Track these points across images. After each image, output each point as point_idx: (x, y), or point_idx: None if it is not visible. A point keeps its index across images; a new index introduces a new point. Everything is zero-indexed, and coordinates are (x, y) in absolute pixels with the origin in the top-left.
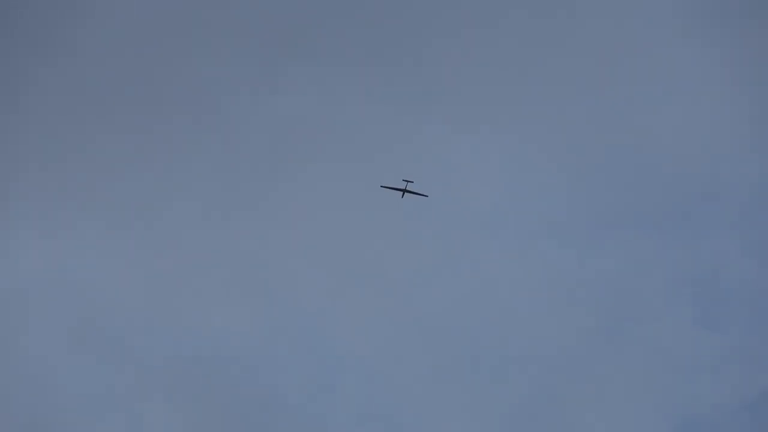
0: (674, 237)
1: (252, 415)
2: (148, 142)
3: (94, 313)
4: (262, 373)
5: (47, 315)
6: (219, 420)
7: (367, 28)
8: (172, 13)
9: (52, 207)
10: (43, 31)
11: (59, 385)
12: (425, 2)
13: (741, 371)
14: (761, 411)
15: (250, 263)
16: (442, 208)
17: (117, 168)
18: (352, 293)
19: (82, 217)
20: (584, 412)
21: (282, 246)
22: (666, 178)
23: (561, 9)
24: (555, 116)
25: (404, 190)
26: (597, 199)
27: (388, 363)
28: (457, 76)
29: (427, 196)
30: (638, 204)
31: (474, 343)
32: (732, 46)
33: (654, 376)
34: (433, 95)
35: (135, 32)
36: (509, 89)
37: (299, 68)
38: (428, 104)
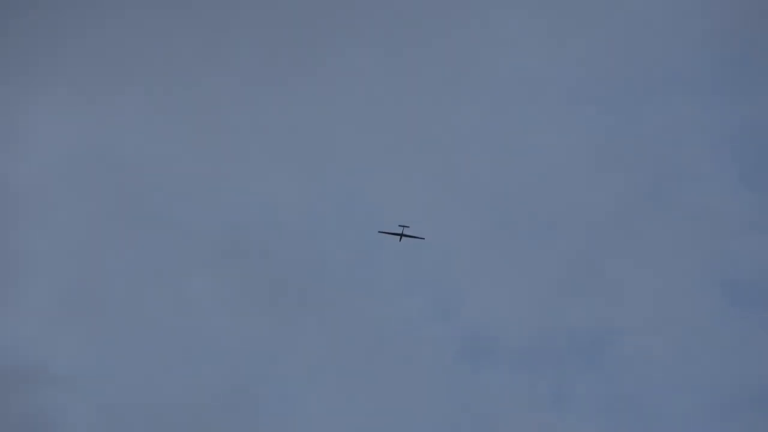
0: (715, 98)
1: (298, 282)
2: (185, 14)
3: (139, 184)
4: (308, 241)
5: (90, 187)
6: (265, 289)
7: None
8: None
9: (93, 78)
10: None
11: (104, 260)
12: None
13: None
14: None
15: (296, 129)
16: (484, 75)
17: (158, 33)
18: (399, 159)
19: (123, 87)
20: (627, 273)
21: (329, 111)
22: (703, 43)
23: None
24: None
25: (401, 234)
26: (636, 63)
27: (434, 227)
28: None
29: (423, 238)
30: (678, 67)
31: (518, 205)
32: None
33: (698, 237)
34: None
35: None
36: None
37: None
38: None
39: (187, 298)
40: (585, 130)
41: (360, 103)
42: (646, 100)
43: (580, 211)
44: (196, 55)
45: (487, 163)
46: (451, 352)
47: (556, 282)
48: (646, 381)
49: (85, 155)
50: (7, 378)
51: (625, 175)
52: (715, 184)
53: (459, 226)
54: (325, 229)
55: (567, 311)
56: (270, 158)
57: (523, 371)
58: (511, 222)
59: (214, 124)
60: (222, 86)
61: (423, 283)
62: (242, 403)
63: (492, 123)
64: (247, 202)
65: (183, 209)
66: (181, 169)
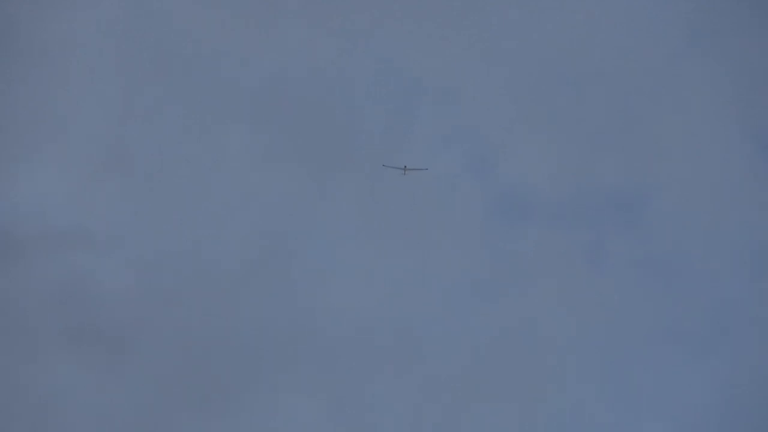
0: None
1: (334, 137)
2: None
3: (176, 40)
4: (345, 96)
5: (127, 44)
6: (302, 144)
7: None
8: None
9: None
10: None
11: (141, 116)
12: None
13: None
14: None
15: None
16: None
17: None
18: (436, 17)
19: None
20: (664, 129)
21: None
22: None
23: None
24: None
25: (405, 168)
26: None
27: (469, 82)
28: None
29: (426, 169)
30: None
31: (554, 61)
32: None
33: (736, 91)
34: None
35: None
36: None
37: None
38: None
39: (223, 153)
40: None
41: None
42: None
43: (617, 63)
44: None
45: (518, 16)
46: (486, 209)
47: (593, 138)
48: (682, 239)
49: (122, 11)
50: (44, 239)
51: (659, 25)
52: (751, 38)
53: (494, 82)
54: (362, 86)
55: (603, 168)
56: (308, 16)
57: (558, 228)
58: (547, 77)
59: None
60: None
61: (458, 139)
62: (276, 259)
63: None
64: (284, 58)
65: (219, 64)
66: (217, 26)
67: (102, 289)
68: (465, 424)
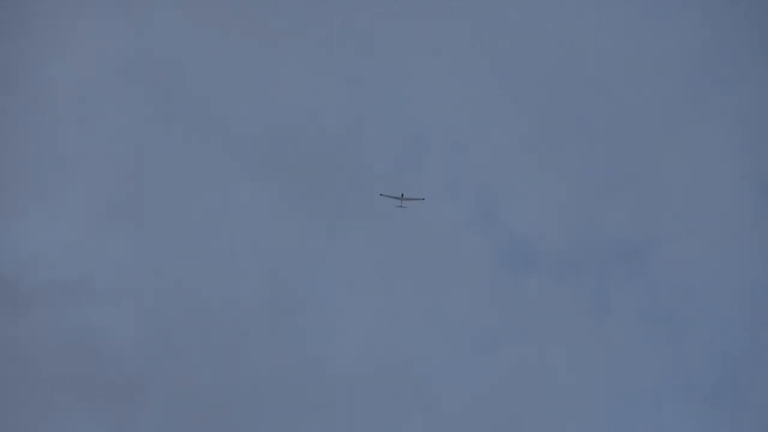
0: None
1: (339, 187)
2: None
3: (183, 89)
4: (349, 145)
5: (134, 93)
6: (307, 194)
7: None
8: None
9: None
10: None
11: (146, 159)
12: None
13: None
14: None
15: (337, 33)
16: None
17: None
18: (440, 62)
19: None
20: (667, 177)
21: (369, 14)
22: None
23: None
24: None
25: (402, 198)
26: None
27: (475, 130)
28: None
29: (423, 199)
30: None
31: (560, 111)
32: None
33: (739, 139)
34: None
35: None
36: None
37: None
38: None
39: (229, 201)
40: (625, 29)
41: (400, 4)
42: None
43: (620, 115)
44: None
45: (526, 63)
46: (490, 258)
47: (595, 187)
48: (687, 290)
49: (130, 60)
50: (50, 289)
51: (665, 74)
52: (755, 84)
53: (499, 130)
54: (369, 134)
55: (607, 217)
56: (312, 64)
57: (562, 278)
58: (548, 127)
59: (258, 29)
60: None
61: (463, 187)
62: (283, 308)
63: (531, 18)
64: (290, 107)
65: (227, 114)
66: (225, 75)
67: (109, 339)
68: None
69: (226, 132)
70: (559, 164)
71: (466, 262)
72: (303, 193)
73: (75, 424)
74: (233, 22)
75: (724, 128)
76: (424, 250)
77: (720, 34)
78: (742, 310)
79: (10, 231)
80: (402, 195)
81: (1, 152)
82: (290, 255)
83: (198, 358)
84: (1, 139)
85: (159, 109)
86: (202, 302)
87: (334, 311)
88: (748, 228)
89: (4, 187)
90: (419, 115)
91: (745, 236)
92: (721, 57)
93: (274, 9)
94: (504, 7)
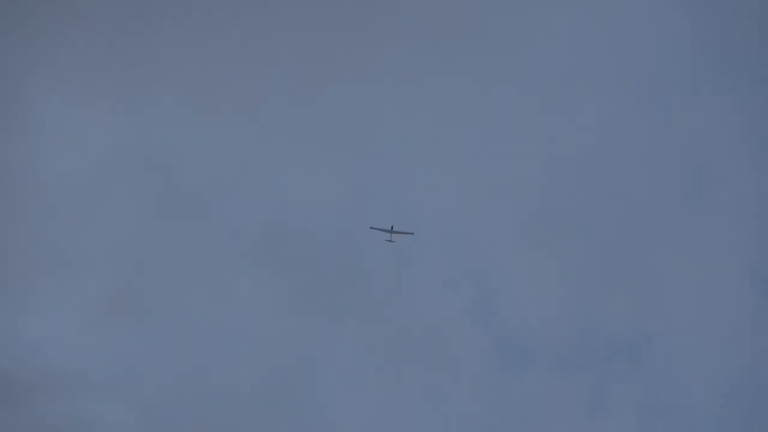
0: (753, 94)
1: (337, 281)
2: (226, 6)
3: (180, 182)
4: (348, 239)
5: (132, 186)
6: (305, 287)
7: None
8: None
9: (135, 76)
10: None
11: (144, 256)
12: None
13: None
14: None
15: (336, 126)
16: (518, 70)
17: (196, 34)
18: (437, 156)
19: (163, 88)
20: (664, 273)
21: (366, 109)
22: (749, 40)
23: None
24: None
25: (391, 231)
26: (678, 59)
27: (470, 225)
28: None
29: (412, 233)
30: (717, 64)
31: (553, 201)
32: None
33: (736, 235)
34: None
35: None
36: None
37: None
38: None
39: (228, 296)
40: (623, 123)
41: (397, 99)
42: (683, 92)
43: (617, 209)
44: (235, 52)
45: (523, 160)
46: (487, 354)
47: (593, 282)
48: (685, 385)
49: (127, 153)
50: (51, 384)
51: (663, 171)
52: (753, 182)
53: (497, 223)
54: (364, 228)
55: (605, 312)
56: (311, 156)
57: (560, 373)
58: (546, 220)
59: (257, 121)
60: (263, 83)
61: (459, 284)
62: (283, 402)
63: (525, 117)
64: (288, 200)
65: (224, 207)
66: (223, 167)
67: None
68: None
69: (225, 226)
70: (558, 259)
71: (464, 356)
72: (302, 287)
73: None
74: (232, 117)
75: (723, 223)
76: (422, 343)
77: (715, 131)
78: (741, 406)
79: (9, 324)
80: (392, 228)
81: (0, 246)
82: (290, 349)
83: None
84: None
85: (158, 204)
86: (200, 397)
87: (333, 405)
88: (747, 324)
89: (3, 281)
90: (417, 207)
91: (743, 332)
92: (719, 151)
93: (274, 104)
94: (501, 100)
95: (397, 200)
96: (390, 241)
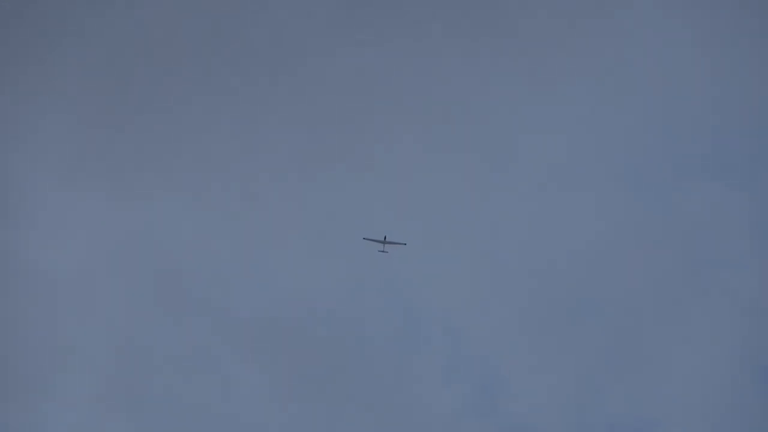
0: (754, 182)
1: (338, 370)
2: (223, 101)
3: (179, 274)
4: (347, 328)
5: (131, 278)
6: (305, 375)
7: None
8: None
9: (131, 170)
10: None
11: (144, 348)
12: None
13: None
14: None
15: (332, 216)
16: (516, 158)
17: (193, 127)
18: (436, 245)
19: (161, 180)
20: (665, 360)
21: (364, 198)
22: (749, 128)
23: None
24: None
25: (384, 242)
26: (672, 143)
27: (471, 314)
28: None
29: (405, 244)
30: (715, 149)
31: (553, 290)
32: None
33: (737, 323)
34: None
35: None
36: None
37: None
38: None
39: (228, 386)
40: (622, 211)
41: (396, 189)
42: (682, 181)
43: (618, 297)
44: (233, 144)
45: (522, 249)
46: None
47: (595, 372)
48: None
49: (125, 246)
50: None
51: (662, 259)
52: (753, 269)
53: (494, 313)
54: (364, 317)
55: (606, 401)
56: (310, 246)
57: None
58: (547, 308)
59: (252, 212)
60: (261, 176)
61: (461, 372)
62: None
63: (526, 207)
64: (286, 290)
65: (224, 296)
66: (220, 258)
67: None
68: None
69: (224, 316)
70: (559, 349)
71: None
72: (302, 379)
73: None
74: (230, 209)
75: (725, 311)
76: None
77: (717, 218)
78: None
79: (8, 416)
80: (385, 238)
81: None
82: None
83: None
84: None
85: (157, 295)
86: None
87: None
88: (746, 411)
89: (1, 373)
90: (417, 299)
91: (742, 420)
92: (721, 238)
93: (273, 196)
94: (502, 187)
95: (397, 287)
96: (383, 251)
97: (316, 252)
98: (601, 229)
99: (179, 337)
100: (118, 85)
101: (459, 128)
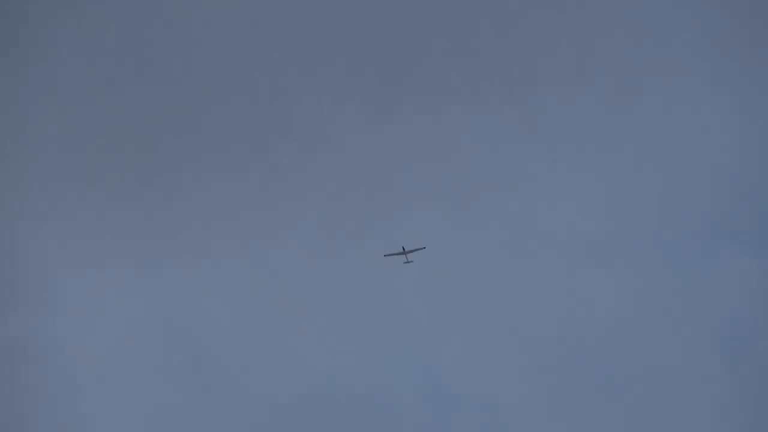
0: None
1: None
2: (249, 182)
3: (206, 355)
4: (372, 410)
5: (156, 356)
6: None
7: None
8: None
9: (157, 250)
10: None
11: (170, 424)
12: None
13: None
14: None
15: (358, 301)
16: (543, 234)
17: (219, 208)
18: (459, 327)
19: (186, 260)
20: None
21: (389, 282)
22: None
23: None
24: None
25: (404, 252)
26: (702, 217)
27: (500, 394)
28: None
29: (424, 248)
30: (746, 220)
31: (582, 364)
32: None
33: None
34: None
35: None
36: None
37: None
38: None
39: None
40: (650, 287)
41: (420, 271)
42: (710, 257)
43: (647, 371)
44: (258, 224)
45: (550, 324)
46: None
47: None
48: None
49: (149, 323)
50: None
51: (692, 334)
52: (757, 369)
53: (523, 388)
54: (389, 399)
55: None
56: (331, 323)
57: None
58: (576, 383)
59: (276, 290)
60: (286, 254)
61: None
62: None
63: (553, 282)
64: (308, 368)
65: (248, 373)
66: (243, 336)
67: None
68: None
69: (245, 393)
70: (590, 424)
71: None
72: None
73: None
74: (253, 286)
75: (744, 387)
76: None
77: (738, 293)
78: None
79: None
80: (403, 249)
81: (21, 413)
82: None
83: None
84: (20, 402)
85: (182, 373)
86: None
87: None
88: None
89: None
90: (439, 379)
91: None
92: (740, 315)
93: (297, 275)
94: (524, 265)
95: (420, 369)
96: (408, 262)
97: (339, 330)
98: (629, 304)
99: (204, 413)
100: (146, 166)
101: (482, 203)
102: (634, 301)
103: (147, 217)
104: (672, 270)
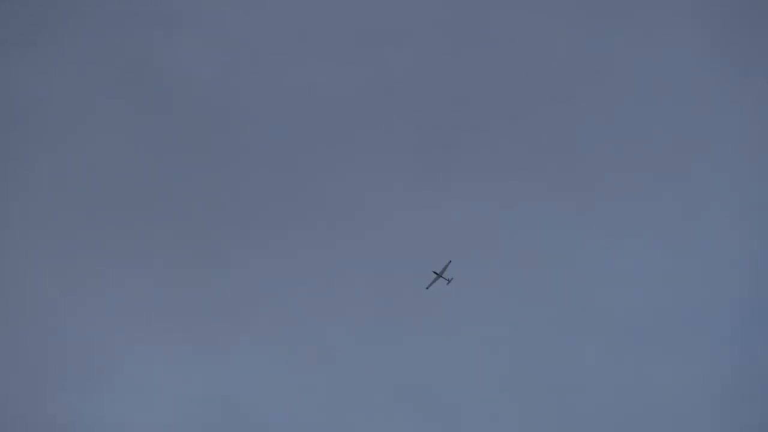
0: None
1: None
2: (300, 256)
3: (260, 429)
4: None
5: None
6: None
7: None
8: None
9: (209, 326)
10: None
11: None
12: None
13: None
14: None
15: (403, 374)
16: (598, 312)
17: (271, 282)
18: (513, 402)
19: (235, 335)
20: None
21: (440, 351)
22: None
23: None
24: None
25: (439, 276)
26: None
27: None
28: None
29: (450, 261)
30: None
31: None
32: None
33: None
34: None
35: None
36: None
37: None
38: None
39: None
40: (708, 366)
41: (471, 346)
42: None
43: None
44: (311, 299)
45: (606, 404)
46: None
47: None
48: None
49: (200, 404)
50: None
51: (753, 413)
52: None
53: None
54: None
55: None
56: (385, 402)
57: None
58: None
59: (329, 366)
60: (337, 330)
61: None
62: None
63: (609, 362)
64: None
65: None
66: (300, 414)
67: None
68: None
69: None
70: None
71: None
72: None
73: None
74: (308, 364)
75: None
76: None
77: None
78: None
79: None
80: (435, 273)
81: None
82: None
83: None
84: None
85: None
86: None
87: None
88: None
89: None
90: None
91: None
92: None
93: (349, 351)
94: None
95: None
96: (449, 281)
97: (396, 410)
98: (685, 383)
99: None
100: (196, 241)
101: (533, 285)
102: (691, 382)
103: (199, 292)
104: (729, 350)
